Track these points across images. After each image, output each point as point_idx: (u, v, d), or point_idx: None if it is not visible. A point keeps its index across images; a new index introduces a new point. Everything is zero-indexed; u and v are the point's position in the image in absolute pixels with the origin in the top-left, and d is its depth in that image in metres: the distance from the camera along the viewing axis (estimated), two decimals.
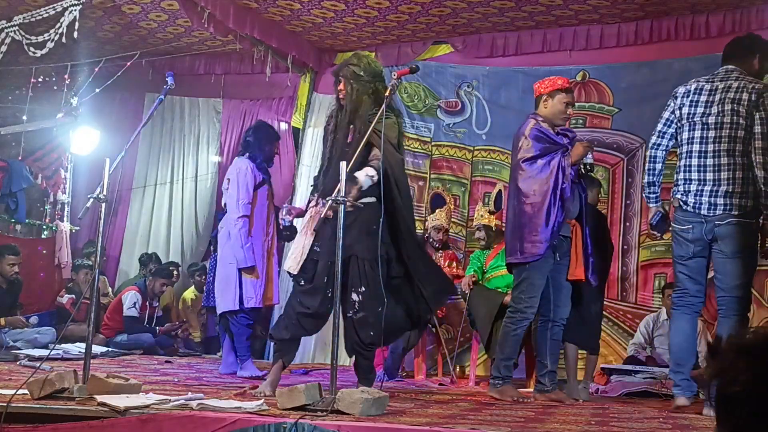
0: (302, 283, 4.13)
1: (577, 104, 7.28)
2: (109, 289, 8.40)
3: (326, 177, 4.17)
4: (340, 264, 3.57)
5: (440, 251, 6.32)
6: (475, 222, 6.20)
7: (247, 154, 5.66)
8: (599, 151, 6.96)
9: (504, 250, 6.02)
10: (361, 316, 4.01)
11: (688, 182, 4.07)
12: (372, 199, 4.03)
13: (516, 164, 4.53)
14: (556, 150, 4.45)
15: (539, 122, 4.52)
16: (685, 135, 4.09)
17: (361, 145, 3.83)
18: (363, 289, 4.00)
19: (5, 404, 3.21)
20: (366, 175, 3.93)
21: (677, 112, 4.14)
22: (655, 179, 4.25)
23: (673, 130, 4.19)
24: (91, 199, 3.79)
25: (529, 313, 4.51)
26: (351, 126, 4.16)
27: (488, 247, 6.06)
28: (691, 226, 4.05)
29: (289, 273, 4.22)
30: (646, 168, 4.24)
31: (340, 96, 4.24)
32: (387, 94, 3.92)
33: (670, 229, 4.25)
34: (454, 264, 6.33)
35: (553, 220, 4.35)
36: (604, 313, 6.71)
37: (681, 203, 4.10)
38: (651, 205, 4.31)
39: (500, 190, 6.31)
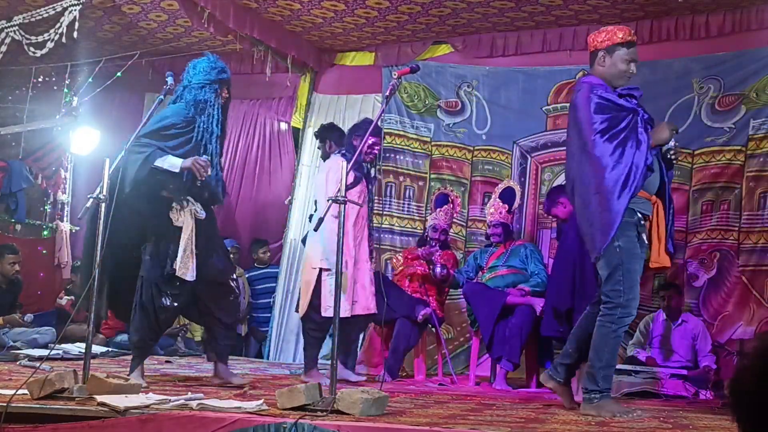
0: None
1: None
2: None
3: None
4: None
5: (439, 251, 6.31)
6: (492, 218, 6.12)
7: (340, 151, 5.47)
8: None
9: (507, 251, 6.06)
10: None
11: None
12: None
13: (581, 146, 3.87)
14: (626, 116, 3.81)
15: (595, 87, 3.85)
16: None
17: None
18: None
19: (5, 404, 3.22)
20: None
21: None
22: None
23: None
24: (91, 199, 3.79)
25: (632, 307, 3.79)
26: None
27: (501, 243, 6.05)
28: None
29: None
30: None
31: None
32: (387, 93, 3.94)
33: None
34: (453, 263, 6.33)
35: (628, 193, 3.73)
36: None
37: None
38: None
39: (510, 188, 6.27)
